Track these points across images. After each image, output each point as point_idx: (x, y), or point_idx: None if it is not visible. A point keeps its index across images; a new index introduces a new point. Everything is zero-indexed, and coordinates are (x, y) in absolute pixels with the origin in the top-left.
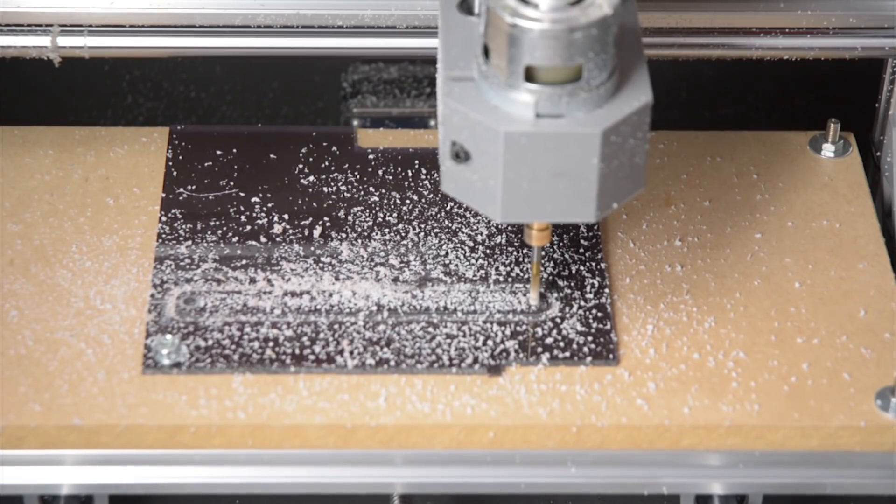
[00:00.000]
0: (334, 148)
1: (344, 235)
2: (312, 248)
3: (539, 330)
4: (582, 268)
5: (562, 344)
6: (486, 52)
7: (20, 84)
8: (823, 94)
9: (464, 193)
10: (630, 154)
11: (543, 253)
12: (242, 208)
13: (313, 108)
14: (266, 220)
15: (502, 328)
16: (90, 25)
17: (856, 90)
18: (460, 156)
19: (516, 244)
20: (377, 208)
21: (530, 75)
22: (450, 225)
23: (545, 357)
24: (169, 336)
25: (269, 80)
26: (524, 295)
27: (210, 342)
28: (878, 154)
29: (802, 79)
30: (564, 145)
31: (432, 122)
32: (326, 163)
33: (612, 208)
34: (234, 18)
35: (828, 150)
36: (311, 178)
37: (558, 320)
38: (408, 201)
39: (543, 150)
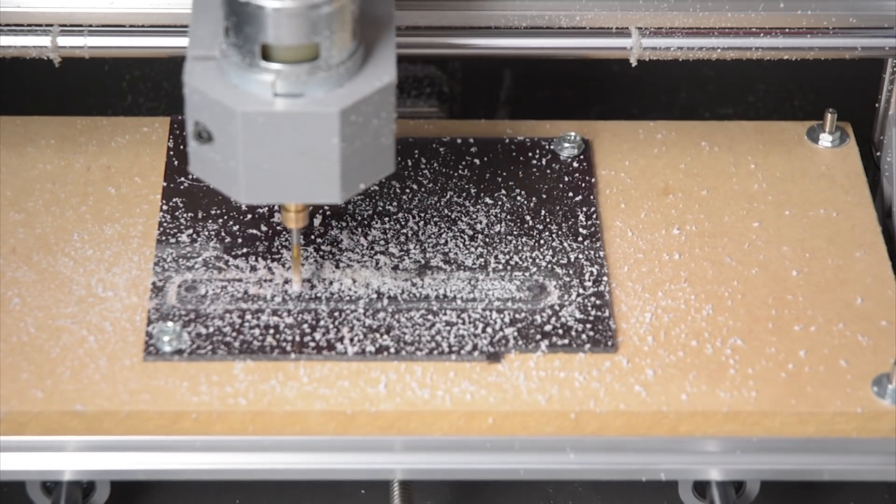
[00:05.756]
0: None
1: (344, 224)
2: (313, 237)
3: (538, 317)
4: (581, 256)
5: (560, 331)
6: (227, 30)
7: (20, 84)
8: (823, 95)
9: (210, 174)
10: (375, 134)
11: (543, 241)
12: None
13: None
14: (266, 208)
15: (501, 315)
16: (90, 25)
17: (856, 90)
18: (203, 136)
19: (515, 233)
20: (377, 197)
21: (268, 54)
22: (449, 214)
23: (544, 344)
24: (170, 323)
25: None
26: (523, 283)
27: (211, 329)
28: (878, 154)
29: (802, 79)
30: (303, 125)
31: None
32: None
33: (359, 189)
34: None
35: (825, 139)
36: None
37: (557, 308)
38: (407, 190)
39: (282, 131)
